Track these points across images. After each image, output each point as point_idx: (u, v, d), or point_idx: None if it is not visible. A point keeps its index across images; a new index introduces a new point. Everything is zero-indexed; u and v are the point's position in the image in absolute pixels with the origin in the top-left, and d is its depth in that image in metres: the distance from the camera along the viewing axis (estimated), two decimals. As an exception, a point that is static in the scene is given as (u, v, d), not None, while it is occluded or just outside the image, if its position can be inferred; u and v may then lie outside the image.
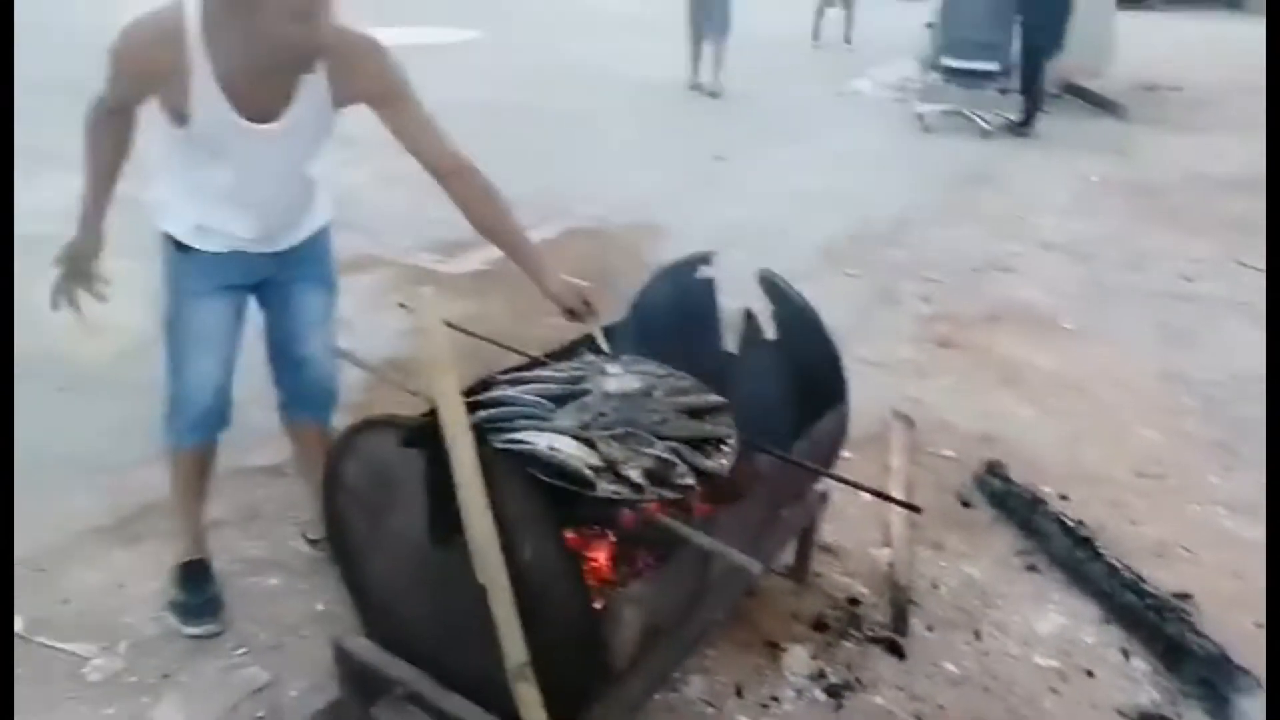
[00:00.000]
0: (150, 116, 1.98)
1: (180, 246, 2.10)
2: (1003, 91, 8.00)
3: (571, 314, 2.05)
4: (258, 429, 2.72)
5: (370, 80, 1.97)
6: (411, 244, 4.89)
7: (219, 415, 2.23)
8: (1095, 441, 3.32)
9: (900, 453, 3.10)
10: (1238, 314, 4.36)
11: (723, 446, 1.82)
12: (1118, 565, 2.53)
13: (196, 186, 2.03)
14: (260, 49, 1.77)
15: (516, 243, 2.08)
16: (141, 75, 1.86)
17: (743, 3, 9.67)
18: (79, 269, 2.05)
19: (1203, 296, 4.58)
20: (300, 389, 2.38)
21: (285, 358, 2.33)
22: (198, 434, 2.24)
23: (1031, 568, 2.63)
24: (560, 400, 1.85)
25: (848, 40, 12.87)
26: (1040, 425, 3.42)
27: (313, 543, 2.56)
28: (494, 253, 4.75)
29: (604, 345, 2.07)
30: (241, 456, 2.83)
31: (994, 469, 3.01)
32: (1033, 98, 7.86)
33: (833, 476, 2.07)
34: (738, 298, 2.52)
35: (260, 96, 1.88)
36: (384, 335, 3.82)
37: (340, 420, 2.84)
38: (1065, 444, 3.29)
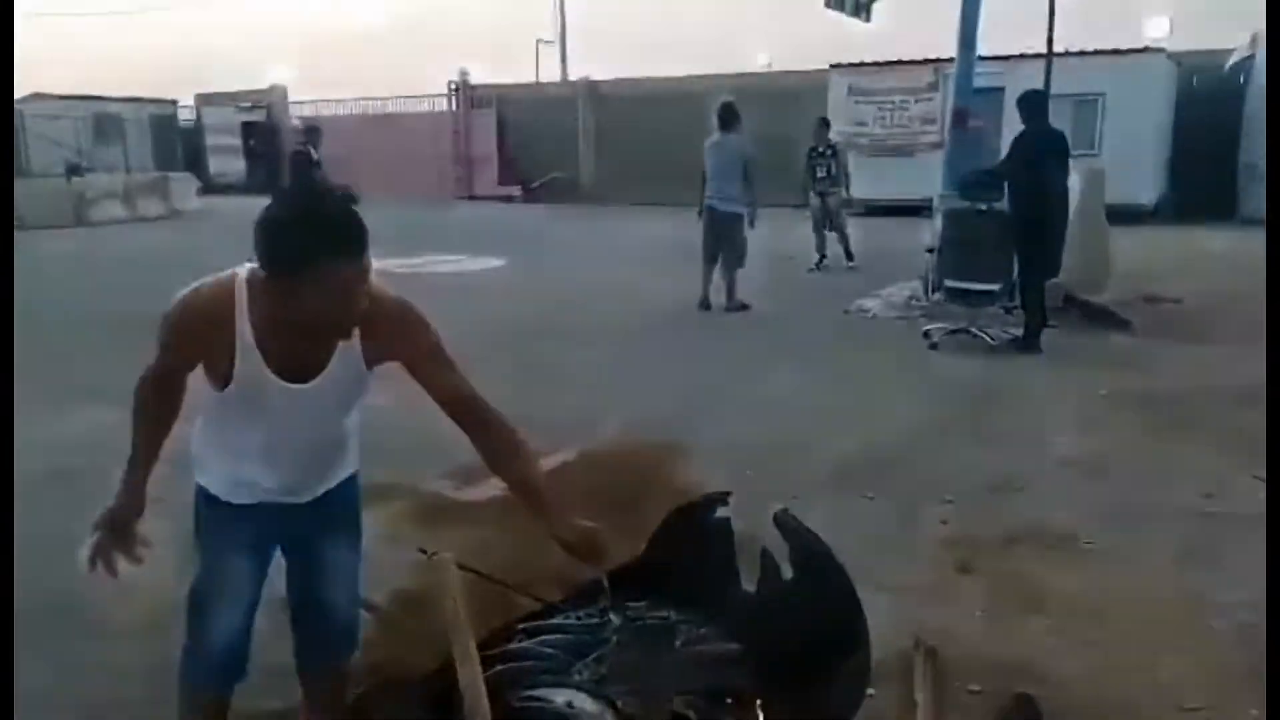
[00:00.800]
0: (196, 377, 2.10)
1: (211, 500, 2.17)
2: (1007, 310, 8.25)
3: (576, 552, 2.06)
4: (269, 670, 2.69)
5: (402, 343, 2.09)
6: (432, 470, 4.95)
7: (238, 667, 2.23)
8: (1127, 671, 3.23)
9: (925, 687, 3.01)
10: (1259, 531, 4.31)
11: (743, 700, 1.81)
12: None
13: (231, 444, 2.13)
14: (301, 320, 1.90)
15: (529, 489, 2.12)
16: (192, 342, 1.99)
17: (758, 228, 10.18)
18: (119, 532, 2.10)
19: (1222, 513, 4.55)
20: (321, 637, 2.38)
21: (309, 606, 2.34)
22: (215, 686, 2.23)
23: (1070, 816, 2.51)
24: (579, 651, 1.86)
25: (850, 258, 13.01)
26: (1068, 654, 3.33)
27: None
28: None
29: (607, 593, 2.07)
30: (254, 700, 2.77)
31: (1024, 703, 2.91)
32: (1035, 315, 8.08)
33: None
34: (753, 520, 2.54)
35: (298, 359, 2.00)
36: (401, 568, 3.82)
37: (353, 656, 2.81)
38: (1096, 674, 3.20)
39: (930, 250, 8.71)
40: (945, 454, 5.45)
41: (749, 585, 2.44)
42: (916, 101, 20.42)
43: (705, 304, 10.05)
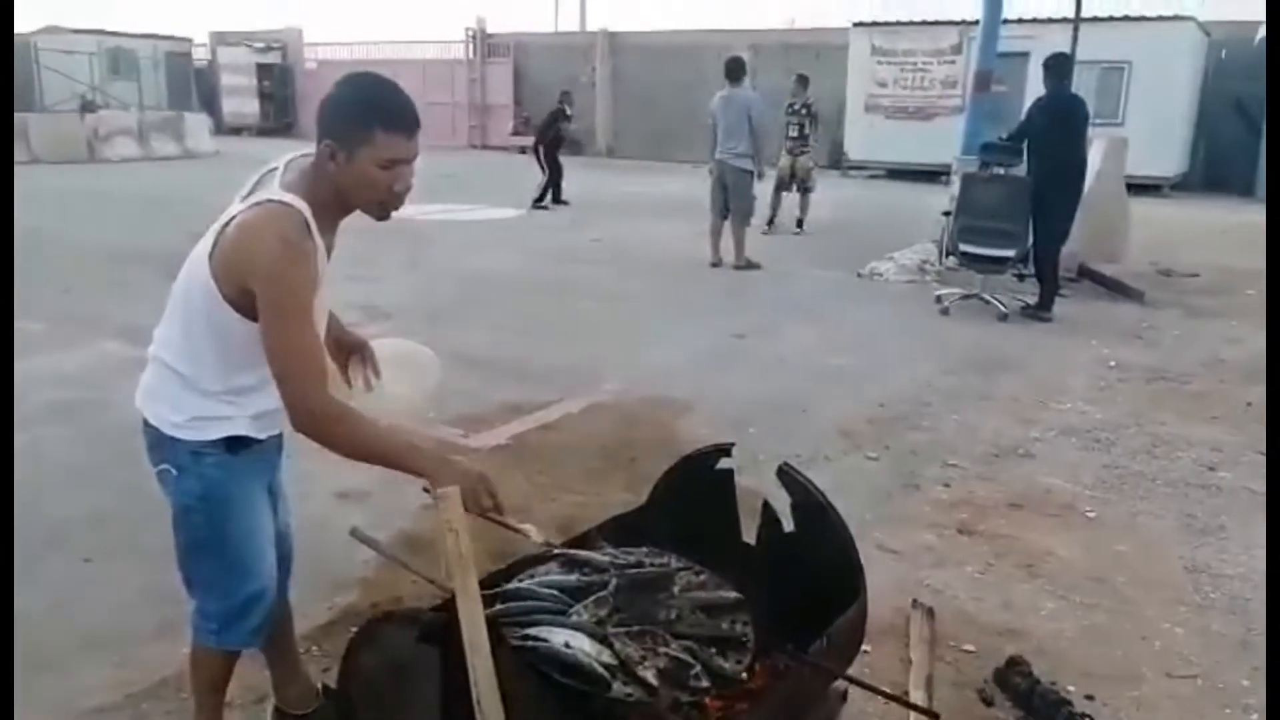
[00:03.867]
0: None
1: (236, 446, 2.07)
2: (1020, 277, 8.20)
3: None
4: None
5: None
6: (435, 417, 4.98)
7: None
8: (1121, 637, 3.25)
9: (920, 646, 3.05)
10: (1260, 506, 4.33)
11: (739, 646, 1.83)
12: (1147, 776, 2.45)
13: (265, 375, 1.99)
14: (352, 200, 1.98)
15: None
16: (312, 273, 1.93)
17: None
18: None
19: (1224, 487, 4.56)
20: (285, 562, 2.36)
21: (278, 534, 2.31)
22: (261, 635, 2.22)
23: (1058, 775, 2.54)
24: (578, 593, 1.87)
25: (800, 225, 12.71)
26: (1063, 619, 3.36)
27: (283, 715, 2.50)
28: (515, 428, 4.93)
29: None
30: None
31: (1016, 665, 2.95)
32: (1049, 283, 8.04)
33: (849, 679, 2.05)
34: (756, 477, 2.56)
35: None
36: (404, 510, 3.87)
37: (354, 597, 2.86)
38: (1090, 639, 3.23)
39: (947, 214, 8.64)
40: (950, 418, 5.45)
41: (750, 539, 2.46)
42: (940, 63, 20.13)
43: (716, 262, 10.02)
